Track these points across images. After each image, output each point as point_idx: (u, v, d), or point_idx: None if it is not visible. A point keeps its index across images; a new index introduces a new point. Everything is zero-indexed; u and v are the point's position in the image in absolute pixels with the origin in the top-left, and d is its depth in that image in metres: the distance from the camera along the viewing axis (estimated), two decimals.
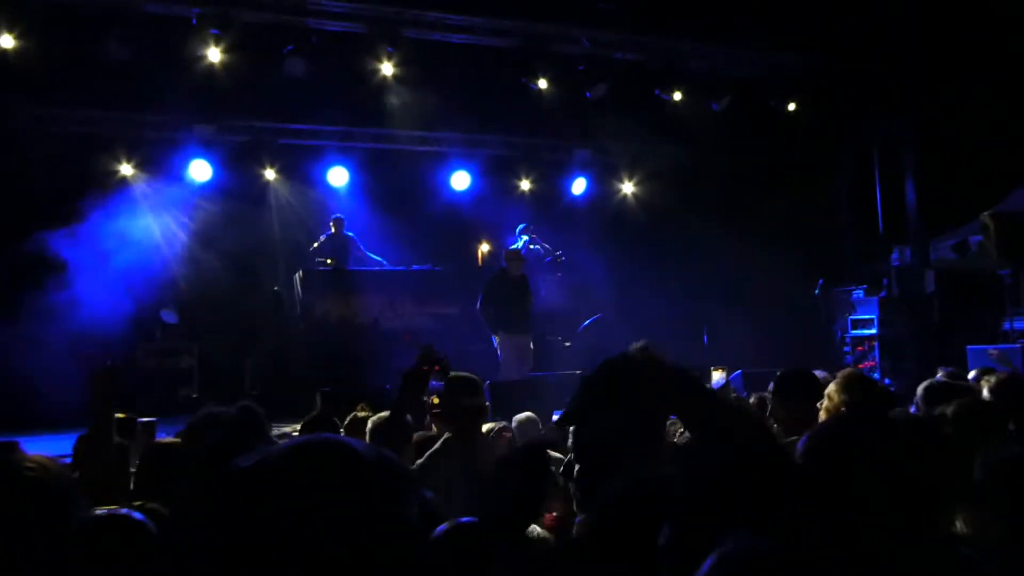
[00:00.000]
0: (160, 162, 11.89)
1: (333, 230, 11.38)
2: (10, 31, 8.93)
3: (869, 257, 13.10)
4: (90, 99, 11.18)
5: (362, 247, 11.51)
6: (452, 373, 3.52)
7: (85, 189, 11.25)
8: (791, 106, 12.61)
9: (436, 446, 3.64)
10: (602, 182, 14.32)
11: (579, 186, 13.99)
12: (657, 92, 12.12)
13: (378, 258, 11.67)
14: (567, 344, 11.45)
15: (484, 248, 13.55)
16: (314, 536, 1.01)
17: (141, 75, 10.21)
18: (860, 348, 12.10)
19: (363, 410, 6.36)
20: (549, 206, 13.72)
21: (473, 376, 3.87)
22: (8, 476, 1.95)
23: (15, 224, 10.66)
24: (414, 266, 11.53)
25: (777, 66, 12.72)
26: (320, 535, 1.01)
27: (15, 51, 9.05)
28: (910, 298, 12.11)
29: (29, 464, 2.21)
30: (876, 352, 11.77)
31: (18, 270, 10.44)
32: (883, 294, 12.20)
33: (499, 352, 9.23)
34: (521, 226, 11.42)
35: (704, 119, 12.47)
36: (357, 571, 1.01)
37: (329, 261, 11.03)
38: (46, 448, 5.02)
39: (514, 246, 11.01)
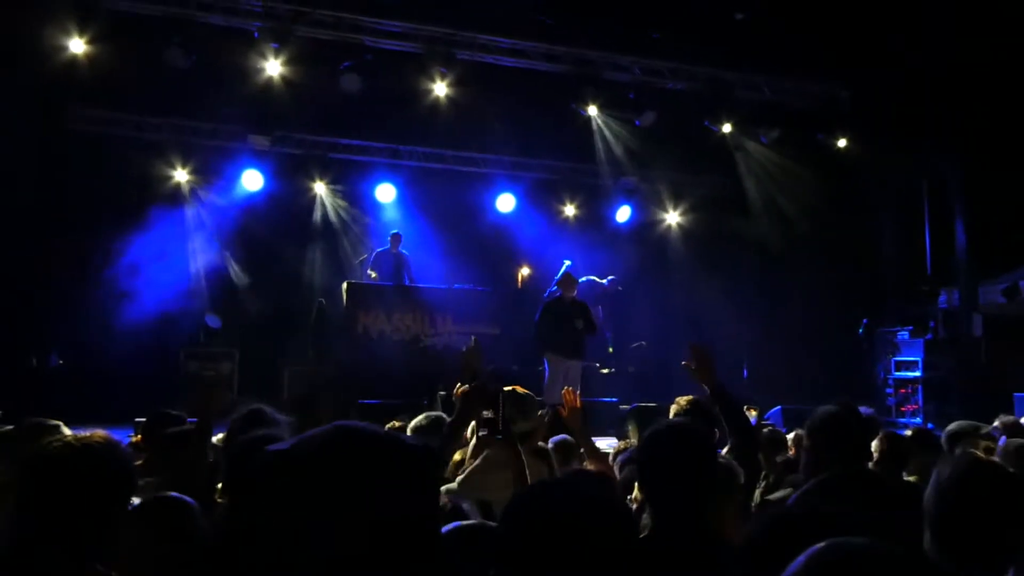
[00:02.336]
0: (214, 170, 12.17)
1: (390, 246, 11.47)
2: (80, 35, 9.19)
3: (915, 298, 12.88)
4: (150, 106, 11.51)
5: (412, 269, 11.55)
6: (509, 388, 3.46)
7: (140, 193, 11.56)
8: (840, 141, 12.49)
9: (476, 463, 3.53)
10: (646, 210, 14.30)
11: (623, 214, 13.97)
12: (706, 122, 12.09)
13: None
14: (606, 371, 11.39)
15: (524, 272, 13.57)
16: (347, 514, 1.03)
17: (200, 85, 10.46)
18: (903, 391, 11.87)
19: (400, 421, 6.39)
20: (593, 232, 13.73)
21: (528, 394, 3.74)
22: (78, 447, 2.09)
23: (73, 224, 10.96)
24: (456, 285, 11.57)
25: (827, 100, 12.64)
26: (353, 513, 1.03)
27: (84, 56, 9.32)
28: (957, 341, 11.87)
29: (97, 438, 2.33)
30: (920, 395, 11.54)
31: (75, 269, 10.71)
32: (929, 336, 11.97)
33: (546, 373, 9.20)
34: (569, 263, 11.36)
35: (752, 151, 12.42)
36: (385, 549, 1.04)
37: (374, 275, 11.12)
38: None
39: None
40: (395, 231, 11.70)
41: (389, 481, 1.07)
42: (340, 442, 1.09)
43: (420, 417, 4.26)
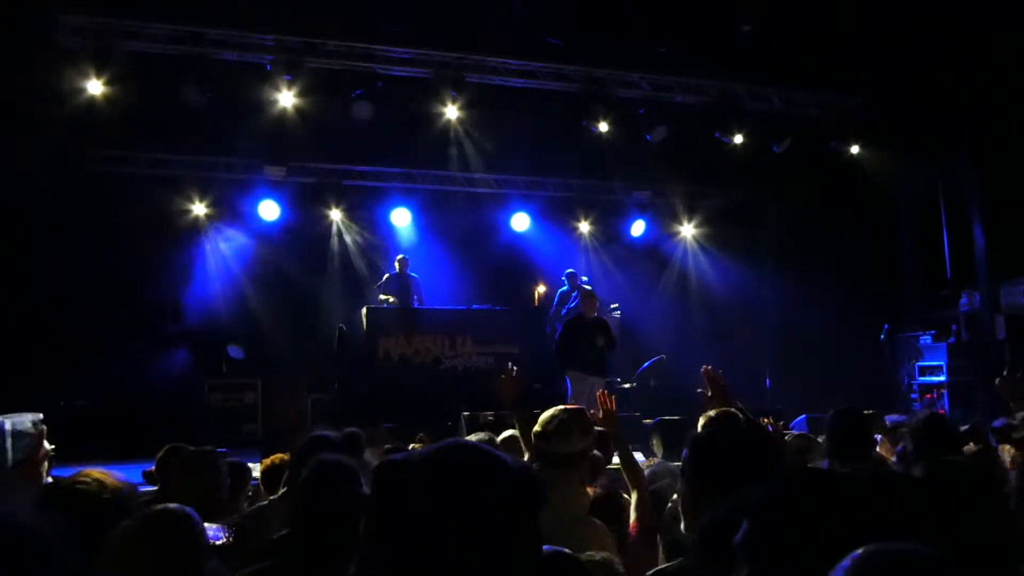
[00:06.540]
0: (231, 202, 12.31)
1: (398, 269, 11.54)
2: (98, 77, 9.35)
3: (936, 302, 12.79)
4: (167, 143, 11.67)
5: (423, 291, 11.61)
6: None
7: (159, 228, 11.71)
8: (854, 148, 12.46)
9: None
10: (661, 224, 14.32)
11: (638, 228, 14.00)
12: (717, 134, 12.10)
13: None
14: (626, 386, 11.37)
15: (540, 289, 13.61)
16: (456, 527, 1.08)
17: (216, 120, 10.62)
18: (928, 395, 11.78)
19: (421, 441, 6.44)
20: (608, 247, 13.76)
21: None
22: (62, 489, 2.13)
23: (94, 262, 11.10)
24: (474, 305, 11.62)
25: (839, 108, 12.63)
26: (461, 528, 1.08)
27: (102, 97, 9.48)
28: (980, 344, 11.78)
29: (83, 479, 2.34)
30: (945, 399, 11.45)
31: (97, 307, 10.84)
32: (952, 340, 11.89)
33: (568, 391, 9.23)
34: (570, 271, 11.43)
35: (765, 161, 12.41)
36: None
37: (392, 299, 11.21)
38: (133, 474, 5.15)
39: (565, 289, 11.08)
40: (401, 255, 11.76)
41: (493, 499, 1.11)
42: (450, 455, 1.15)
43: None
